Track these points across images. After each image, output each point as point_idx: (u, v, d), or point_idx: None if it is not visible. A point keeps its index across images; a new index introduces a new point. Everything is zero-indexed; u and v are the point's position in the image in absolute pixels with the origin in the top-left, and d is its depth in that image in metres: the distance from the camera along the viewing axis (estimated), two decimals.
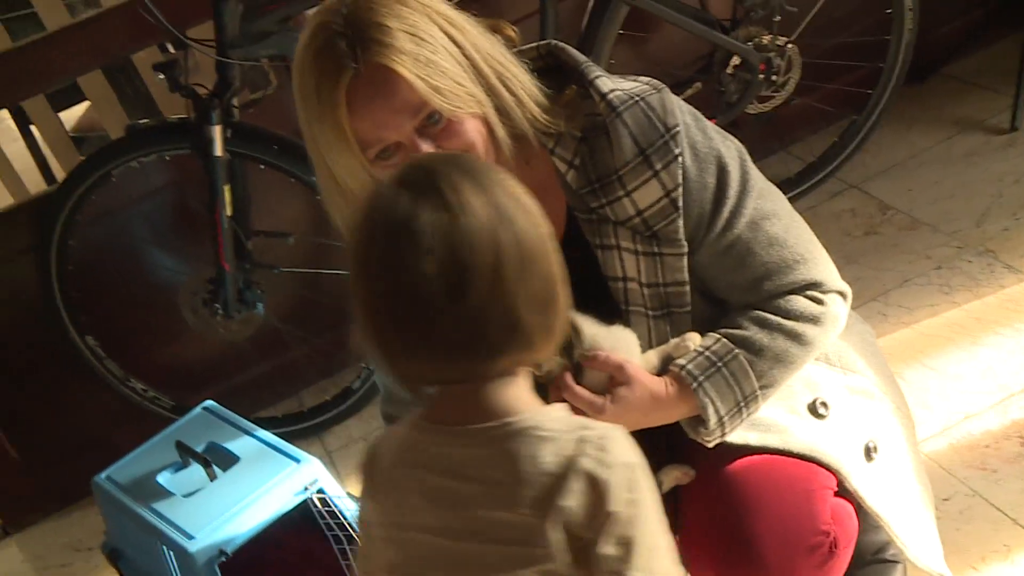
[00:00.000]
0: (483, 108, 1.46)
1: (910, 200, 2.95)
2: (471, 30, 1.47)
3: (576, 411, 1.50)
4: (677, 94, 2.82)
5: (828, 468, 1.58)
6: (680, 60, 3.02)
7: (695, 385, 1.52)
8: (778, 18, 2.82)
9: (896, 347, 2.49)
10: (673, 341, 1.57)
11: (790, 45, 2.89)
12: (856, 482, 1.60)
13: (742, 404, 1.53)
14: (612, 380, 1.50)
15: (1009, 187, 2.83)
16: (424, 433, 1.23)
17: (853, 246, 2.88)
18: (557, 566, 1.17)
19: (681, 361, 1.54)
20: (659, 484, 1.62)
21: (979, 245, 2.69)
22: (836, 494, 1.60)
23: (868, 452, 1.63)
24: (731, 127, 3.05)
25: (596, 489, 1.17)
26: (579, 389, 1.50)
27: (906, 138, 3.19)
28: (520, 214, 1.17)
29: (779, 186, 3.00)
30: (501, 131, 1.49)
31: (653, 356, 1.56)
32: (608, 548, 1.17)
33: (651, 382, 1.51)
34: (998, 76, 3.22)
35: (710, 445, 1.55)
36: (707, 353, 1.54)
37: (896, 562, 1.83)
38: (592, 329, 1.49)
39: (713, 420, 1.52)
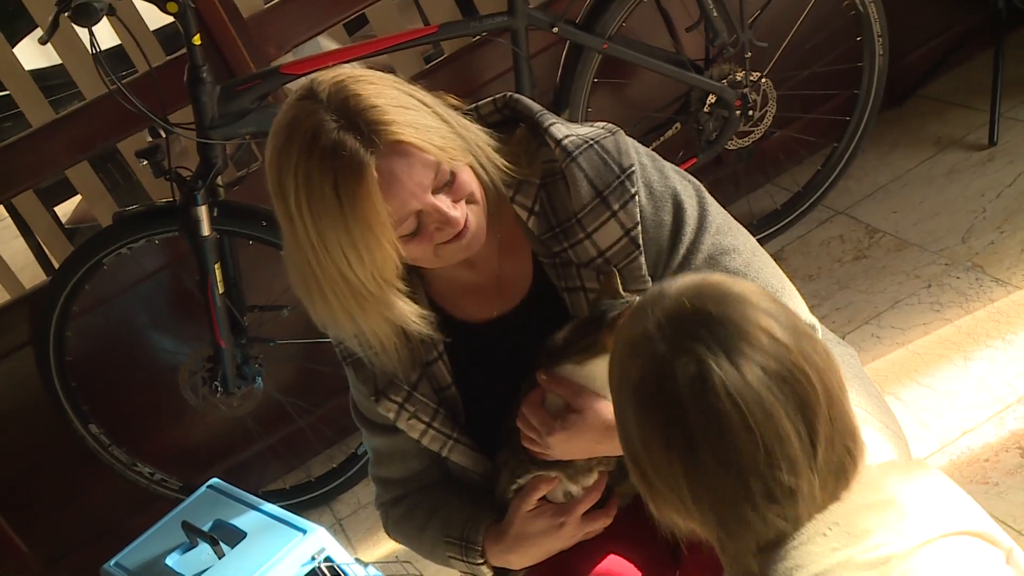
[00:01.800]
0: (468, 157, 1.50)
1: (896, 222, 2.96)
2: (425, 93, 1.51)
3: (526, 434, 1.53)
4: (657, 136, 2.93)
5: None
6: (657, 103, 3.06)
7: None
8: (749, 54, 2.85)
9: (891, 368, 2.50)
10: None
11: (764, 79, 2.92)
12: None
13: None
14: (568, 406, 1.51)
15: (991, 201, 2.85)
16: None
17: (843, 271, 2.89)
18: None
19: None
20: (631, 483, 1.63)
21: (966, 261, 2.71)
22: None
23: None
24: (714, 164, 3.09)
25: None
26: (535, 408, 1.52)
27: (888, 161, 3.21)
28: (792, 314, 1.13)
29: (766, 218, 3.09)
30: (486, 177, 1.52)
31: None
32: None
33: (606, 411, 1.50)
34: (973, 93, 3.25)
35: None
36: None
37: None
38: (568, 367, 1.51)
39: None
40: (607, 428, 1.50)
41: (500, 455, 1.65)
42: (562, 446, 1.52)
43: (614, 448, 1.52)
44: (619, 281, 1.52)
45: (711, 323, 1.10)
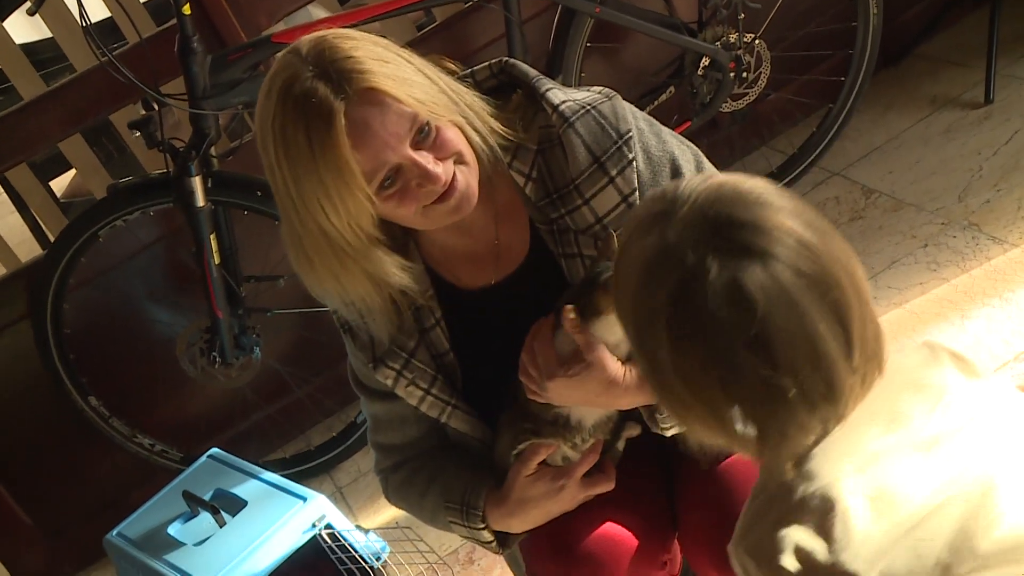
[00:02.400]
0: (455, 116, 1.49)
1: (892, 182, 2.96)
2: (416, 56, 1.50)
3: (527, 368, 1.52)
4: (651, 100, 2.91)
5: None
6: (651, 66, 3.04)
7: None
8: (743, 15, 2.84)
9: (888, 327, 2.43)
10: None
11: (757, 41, 2.90)
12: None
13: None
14: (576, 353, 1.50)
15: (988, 160, 2.84)
16: None
17: (840, 232, 2.88)
18: None
19: None
20: (615, 449, 1.64)
21: (963, 220, 2.70)
22: None
23: None
24: (708, 127, 3.09)
25: None
26: (546, 347, 1.51)
27: (884, 121, 3.20)
28: (811, 211, 1.12)
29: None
30: (476, 138, 1.51)
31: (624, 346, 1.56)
32: None
33: (612, 369, 1.50)
34: (968, 52, 3.23)
35: (667, 434, 1.56)
36: None
37: None
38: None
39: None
40: (609, 383, 1.50)
41: (501, 419, 1.66)
42: (560, 391, 1.51)
43: (609, 403, 1.53)
44: (617, 244, 1.51)
45: (737, 228, 1.06)
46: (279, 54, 1.48)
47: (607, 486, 1.62)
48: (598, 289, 1.46)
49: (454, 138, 1.48)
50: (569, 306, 1.47)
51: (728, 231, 1.07)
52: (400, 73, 1.44)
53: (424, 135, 1.45)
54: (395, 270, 1.53)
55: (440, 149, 1.47)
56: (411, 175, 1.45)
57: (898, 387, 1.14)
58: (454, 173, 1.48)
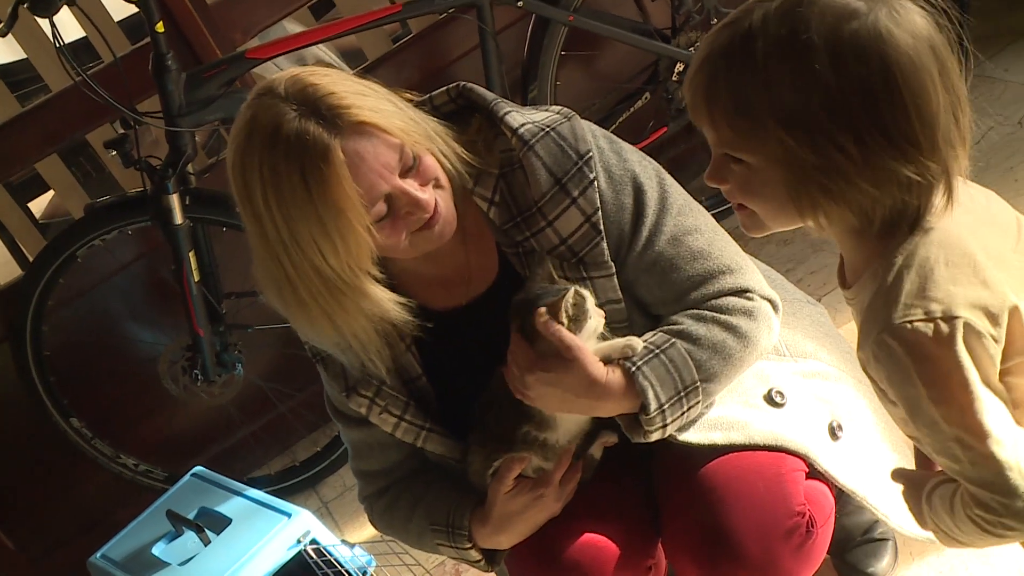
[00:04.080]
0: (427, 143, 1.50)
1: None
2: (379, 85, 1.52)
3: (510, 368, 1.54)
4: (627, 107, 2.92)
5: (795, 454, 1.59)
6: (626, 73, 3.05)
7: (633, 369, 1.52)
8: (715, 20, 2.84)
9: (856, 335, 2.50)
10: (615, 342, 1.58)
11: None
12: (825, 463, 1.61)
13: (683, 394, 1.54)
14: (557, 354, 1.51)
15: None
16: None
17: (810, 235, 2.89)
18: None
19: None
20: (591, 456, 1.65)
21: None
22: (810, 476, 1.62)
23: (833, 431, 1.64)
24: (685, 132, 3.09)
25: None
26: (523, 344, 1.53)
27: None
28: None
29: None
30: (446, 163, 1.52)
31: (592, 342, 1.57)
32: None
33: (593, 368, 1.51)
34: None
35: (651, 438, 1.56)
36: (646, 343, 1.56)
37: (885, 539, 1.86)
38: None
39: (653, 406, 1.52)
40: (589, 385, 1.51)
41: (471, 437, 1.66)
42: (540, 389, 1.52)
43: (591, 405, 1.54)
44: (552, 267, 1.54)
45: None
46: (249, 99, 1.47)
47: (577, 475, 1.63)
48: (533, 314, 1.49)
49: (432, 164, 1.50)
50: (542, 310, 1.49)
51: None
52: (379, 105, 1.46)
53: (412, 165, 1.47)
54: (392, 306, 1.54)
55: (422, 175, 1.49)
56: (400, 204, 1.47)
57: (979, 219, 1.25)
58: (436, 199, 1.49)
